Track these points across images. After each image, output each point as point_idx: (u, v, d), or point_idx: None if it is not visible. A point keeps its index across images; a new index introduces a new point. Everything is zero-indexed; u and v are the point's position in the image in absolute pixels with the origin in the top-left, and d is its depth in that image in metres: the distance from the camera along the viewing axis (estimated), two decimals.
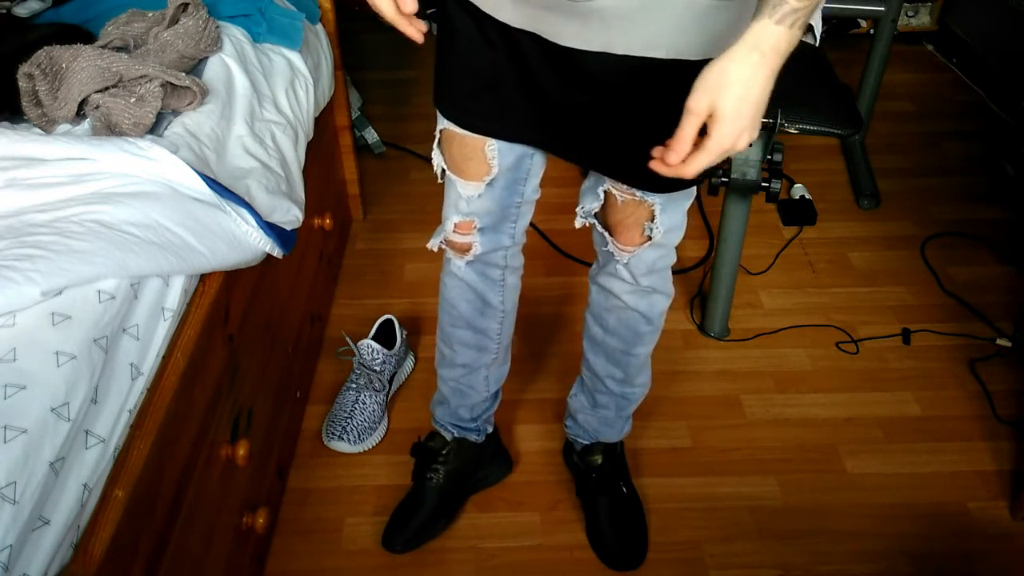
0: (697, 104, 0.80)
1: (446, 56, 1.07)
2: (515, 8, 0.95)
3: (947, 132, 2.58)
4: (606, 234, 1.18)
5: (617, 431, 1.47)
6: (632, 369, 1.36)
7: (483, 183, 1.13)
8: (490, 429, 1.52)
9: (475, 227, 1.19)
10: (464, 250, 1.23)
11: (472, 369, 1.39)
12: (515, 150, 1.12)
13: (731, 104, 0.79)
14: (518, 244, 1.27)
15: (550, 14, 0.92)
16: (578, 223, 1.20)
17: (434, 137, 1.15)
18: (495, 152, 1.10)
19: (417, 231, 2.17)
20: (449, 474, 1.47)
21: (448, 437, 1.47)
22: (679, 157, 0.82)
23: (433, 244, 1.25)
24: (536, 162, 1.16)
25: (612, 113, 1.00)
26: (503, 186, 1.15)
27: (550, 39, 0.95)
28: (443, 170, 1.17)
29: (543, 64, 0.98)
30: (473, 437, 1.48)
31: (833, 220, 2.22)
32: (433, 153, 1.17)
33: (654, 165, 0.85)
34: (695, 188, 1.15)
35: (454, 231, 1.20)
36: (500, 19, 0.97)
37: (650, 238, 1.14)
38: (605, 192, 1.13)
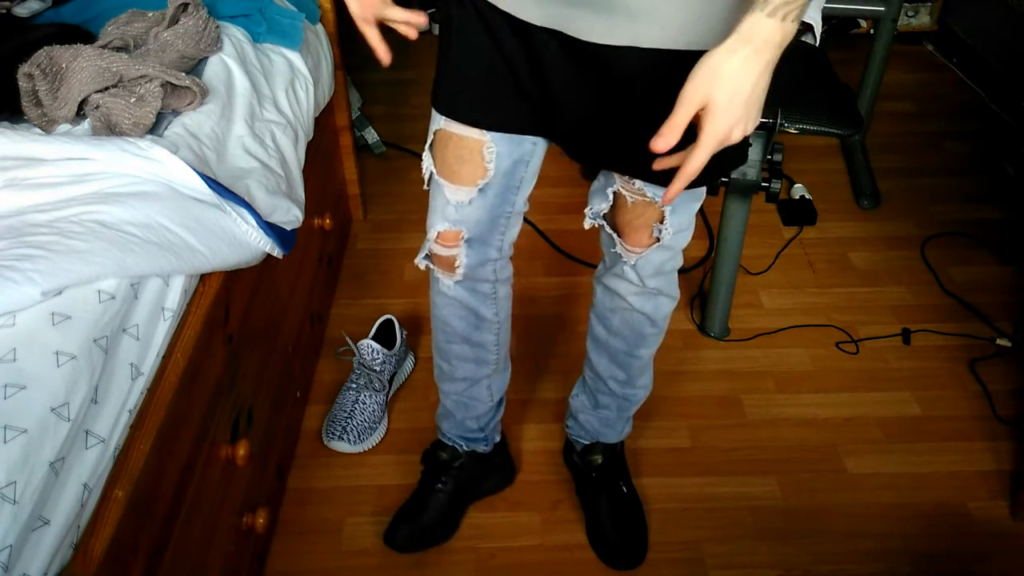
0: (690, 95, 0.79)
1: (449, 54, 1.06)
2: (538, 5, 0.94)
3: (947, 132, 2.58)
4: (614, 235, 1.17)
5: (618, 432, 1.47)
6: (634, 370, 1.36)
7: (476, 188, 1.10)
8: (498, 438, 1.51)
9: (462, 238, 1.15)
10: (450, 266, 1.19)
11: (474, 382, 1.37)
12: (512, 154, 1.10)
13: (723, 97, 0.78)
14: (506, 256, 1.23)
15: (575, 10, 0.92)
16: (587, 224, 1.18)
17: (427, 139, 1.12)
18: (493, 154, 1.08)
19: (417, 231, 2.14)
20: (457, 485, 1.47)
21: (459, 450, 1.46)
22: (667, 144, 0.81)
23: (419, 261, 1.22)
24: (530, 170, 1.14)
25: (632, 108, 0.99)
26: (496, 193, 1.12)
27: (574, 35, 0.94)
28: (431, 175, 1.13)
29: (562, 61, 0.98)
30: (482, 448, 1.47)
31: (833, 220, 2.22)
32: (424, 156, 1.13)
33: (659, 163, 0.85)
34: (704, 190, 1.14)
35: (437, 241, 1.16)
36: (520, 17, 0.96)
37: (658, 239, 1.13)
38: (615, 193, 1.12)
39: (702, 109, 0.79)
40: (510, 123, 1.07)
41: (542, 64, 0.99)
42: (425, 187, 1.16)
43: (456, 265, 1.18)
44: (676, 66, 0.91)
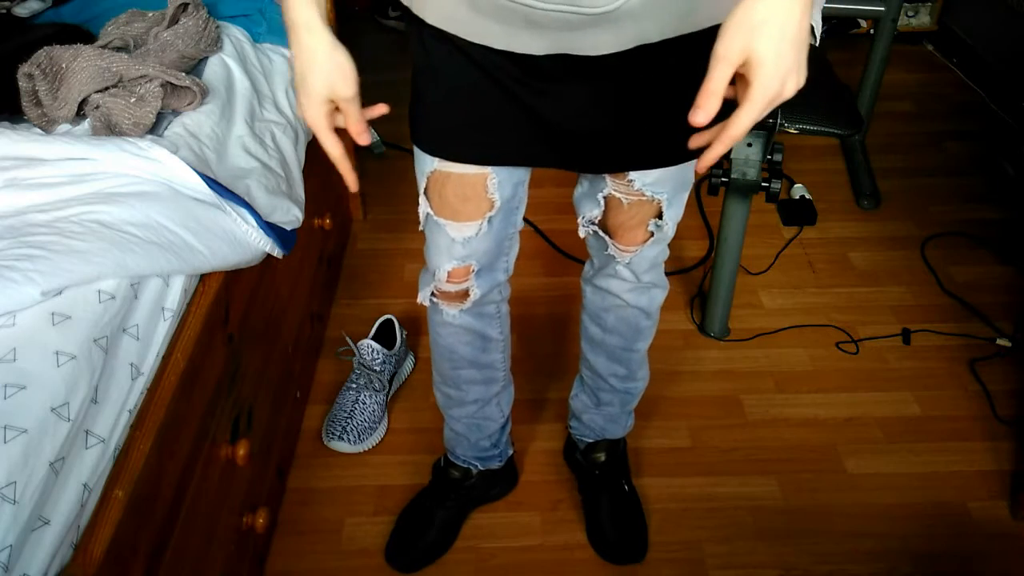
0: (727, 50, 0.70)
1: (431, 92, 1.00)
2: (534, 38, 0.89)
3: (947, 132, 2.58)
4: (607, 238, 1.15)
5: (622, 426, 1.47)
6: (634, 364, 1.36)
7: (484, 220, 1.07)
8: (511, 451, 1.51)
9: (472, 271, 1.13)
10: (460, 298, 1.17)
11: (484, 402, 1.36)
12: (512, 179, 1.06)
13: (768, 45, 0.69)
14: (509, 275, 1.21)
15: (579, 32, 0.87)
16: (582, 232, 1.16)
17: (419, 183, 1.06)
18: (496, 185, 1.04)
19: (417, 231, 2.16)
20: (465, 502, 1.47)
21: (473, 471, 1.46)
22: (708, 115, 0.71)
23: (423, 298, 1.19)
24: (526, 187, 1.11)
25: (648, 99, 0.95)
26: (500, 219, 1.09)
27: (581, 54, 0.89)
28: (428, 216, 1.09)
29: (563, 77, 0.93)
30: (496, 464, 1.47)
31: (833, 220, 2.22)
32: (420, 201, 1.08)
33: (695, 140, 0.78)
34: (692, 176, 1.10)
35: (448, 280, 1.14)
36: (521, 52, 0.91)
37: (652, 234, 1.13)
38: (606, 198, 1.10)
39: (743, 66, 0.70)
40: (513, 154, 1.02)
41: (544, 82, 0.94)
42: (421, 228, 1.13)
43: (468, 297, 1.17)
44: (691, 45, 0.89)
